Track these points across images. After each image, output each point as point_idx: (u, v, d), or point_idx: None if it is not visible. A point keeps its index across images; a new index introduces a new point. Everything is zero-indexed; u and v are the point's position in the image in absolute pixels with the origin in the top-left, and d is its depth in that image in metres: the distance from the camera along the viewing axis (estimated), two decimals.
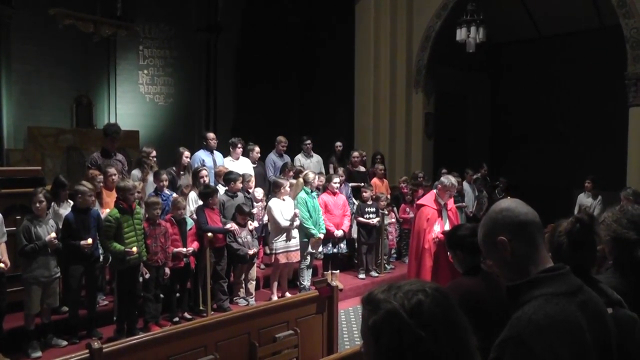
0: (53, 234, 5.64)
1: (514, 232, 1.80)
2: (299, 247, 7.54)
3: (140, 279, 6.25)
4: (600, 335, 1.72)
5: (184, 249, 6.53)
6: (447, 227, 6.30)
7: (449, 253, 3.47)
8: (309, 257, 7.76)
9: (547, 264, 1.80)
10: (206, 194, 6.97)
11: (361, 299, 1.44)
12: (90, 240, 5.86)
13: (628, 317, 2.04)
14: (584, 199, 10.26)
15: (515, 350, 1.58)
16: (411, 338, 1.30)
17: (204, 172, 7.43)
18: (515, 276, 1.81)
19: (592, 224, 2.28)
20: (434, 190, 6.66)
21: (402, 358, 1.31)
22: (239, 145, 8.69)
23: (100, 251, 6.33)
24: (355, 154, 10.07)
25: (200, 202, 7.29)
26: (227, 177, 7.43)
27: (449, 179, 6.51)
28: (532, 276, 1.76)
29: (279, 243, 7.36)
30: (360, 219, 8.53)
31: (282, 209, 7.40)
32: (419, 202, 6.99)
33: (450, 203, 6.71)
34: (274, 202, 7.40)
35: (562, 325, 1.62)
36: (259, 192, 8.27)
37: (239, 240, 7.09)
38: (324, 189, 8.37)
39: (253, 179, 8.24)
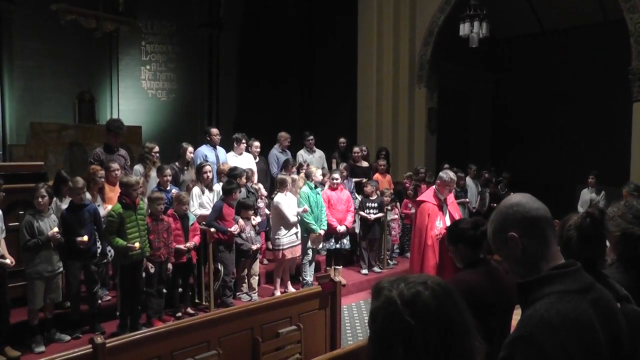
0: (56, 229, 5.64)
1: (525, 228, 1.77)
2: (300, 241, 7.55)
3: (144, 274, 6.25)
4: (612, 334, 1.69)
5: (183, 245, 6.52)
6: (448, 223, 6.28)
7: (449, 247, 3.46)
8: (310, 252, 7.76)
9: (558, 260, 1.77)
10: (229, 190, 6.98)
11: (371, 287, 1.48)
12: (85, 238, 5.83)
13: (635, 312, 2.02)
14: (587, 195, 10.24)
15: (527, 349, 1.56)
16: (400, 325, 1.33)
17: (207, 168, 7.42)
18: (525, 273, 1.77)
19: (603, 218, 2.27)
20: (434, 186, 6.64)
21: (390, 343, 1.34)
22: (243, 141, 8.66)
23: (99, 247, 6.32)
24: (356, 149, 10.06)
25: (204, 197, 7.31)
26: (232, 173, 7.41)
27: (447, 174, 6.48)
28: (544, 273, 1.72)
29: (285, 239, 7.36)
30: (362, 213, 8.53)
31: (289, 203, 7.40)
32: (419, 198, 6.96)
33: (451, 198, 6.69)
34: (281, 198, 7.39)
35: (574, 323, 1.59)
36: (261, 187, 8.26)
37: (243, 235, 7.09)
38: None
39: (256, 173, 8.24)
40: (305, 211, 7.46)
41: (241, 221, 7.08)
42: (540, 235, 1.77)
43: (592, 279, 1.76)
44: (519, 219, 1.78)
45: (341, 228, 7.98)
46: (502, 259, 1.89)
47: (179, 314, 6.59)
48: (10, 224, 5.74)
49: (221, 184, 7.59)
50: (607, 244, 2.51)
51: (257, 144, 9.00)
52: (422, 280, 1.40)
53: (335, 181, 8.16)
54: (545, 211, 1.80)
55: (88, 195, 6.32)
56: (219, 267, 6.88)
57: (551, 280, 1.70)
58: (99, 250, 6.34)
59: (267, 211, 8.09)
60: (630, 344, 1.81)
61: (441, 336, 1.33)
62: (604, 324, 1.66)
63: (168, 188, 7.04)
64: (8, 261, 5.32)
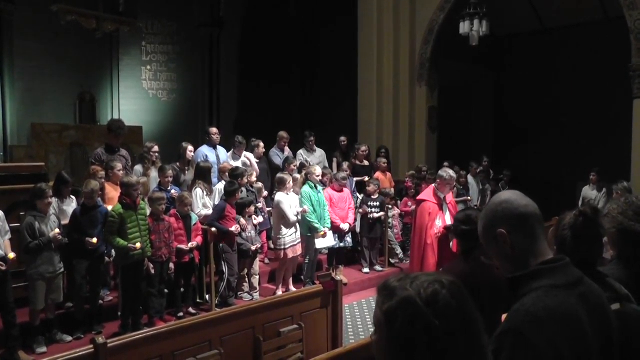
0: (57, 230, 5.65)
1: (513, 225, 1.78)
2: (301, 240, 7.56)
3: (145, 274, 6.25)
4: (601, 327, 1.71)
5: (185, 246, 6.53)
6: (448, 221, 6.29)
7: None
8: (313, 252, 7.75)
9: (547, 256, 1.78)
10: (232, 191, 6.98)
11: (377, 287, 1.44)
12: (95, 240, 5.89)
13: (637, 312, 2.02)
14: (589, 192, 10.24)
15: (514, 342, 1.57)
16: (424, 326, 1.29)
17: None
18: (515, 269, 1.79)
19: (596, 216, 2.26)
20: (433, 185, 6.64)
21: (413, 345, 1.30)
22: (243, 145, 8.64)
23: (105, 248, 6.34)
24: (363, 147, 10.01)
25: (206, 198, 7.32)
26: (234, 173, 7.42)
27: (447, 172, 6.49)
28: (532, 268, 1.74)
29: (288, 238, 7.36)
30: (362, 210, 8.51)
31: (291, 203, 7.40)
32: (419, 197, 6.96)
33: (450, 196, 6.70)
34: (282, 197, 7.39)
35: (561, 317, 1.60)
36: (260, 186, 8.25)
37: (243, 235, 7.09)
38: (330, 181, 8.37)
39: (254, 173, 8.22)
40: (304, 212, 7.45)
41: (243, 221, 7.08)
42: (528, 232, 1.79)
43: (580, 274, 1.77)
44: (507, 216, 1.80)
45: (345, 226, 7.98)
46: (492, 255, 1.90)
47: (181, 314, 6.59)
48: (12, 225, 5.73)
49: (222, 183, 7.61)
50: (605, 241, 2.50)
51: (261, 144, 8.98)
52: (436, 279, 1.37)
53: (343, 182, 8.14)
54: (534, 208, 1.82)
55: None
56: (224, 269, 6.89)
57: (539, 275, 1.72)
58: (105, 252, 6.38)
59: (267, 209, 8.08)
60: (628, 342, 1.82)
61: (464, 335, 1.32)
62: (593, 318, 1.68)
63: (169, 188, 7.05)
64: (11, 255, 5.33)
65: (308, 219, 7.50)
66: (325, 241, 7.70)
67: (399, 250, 9.17)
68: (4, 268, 5.25)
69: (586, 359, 1.64)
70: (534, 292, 1.67)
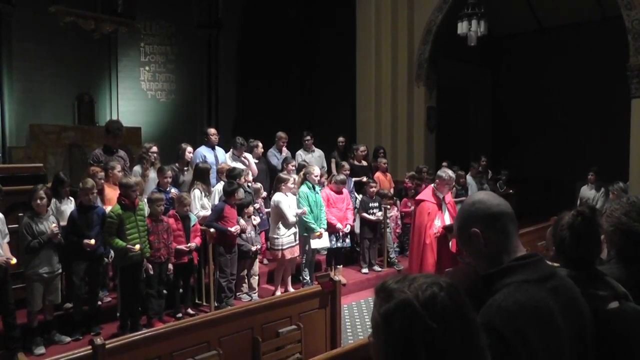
0: (54, 224, 5.65)
1: (486, 224, 1.83)
2: (299, 241, 7.56)
3: (144, 275, 6.25)
4: (574, 320, 1.75)
5: (184, 246, 6.52)
6: (447, 221, 6.29)
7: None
8: (310, 252, 7.75)
9: (519, 252, 1.83)
10: (230, 191, 6.97)
11: (374, 288, 1.44)
12: (92, 241, 5.88)
13: (634, 310, 2.02)
14: (587, 191, 10.25)
15: (486, 337, 1.59)
16: (422, 329, 1.29)
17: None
18: (489, 266, 1.83)
19: (594, 216, 2.26)
20: (432, 185, 6.65)
21: (411, 348, 1.30)
22: (244, 147, 8.64)
23: (103, 249, 6.34)
24: (362, 148, 10.02)
25: (205, 199, 7.31)
26: (231, 174, 7.42)
27: (446, 172, 6.50)
28: (504, 265, 1.79)
29: (285, 239, 7.35)
30: (364, 214, 8.50)
31: (290, 203, 7.40)
32: (418, 197, 6.96)
33: (448, 197, 6.70)
34: (281, 197, 7.38)
35: (531, 310, 1.65)
36: (259, 187, 8.25)
37: (243, 236, 7.09)
38: (329, 182, 8.37)
39: (250, 173, 8.22)
40: (304, 213, 7.44)
41: (242, 221, 7.08)
42: (501, 230, 1.84)
43: (553, 269, 1.82)
44: (480, 215, 1.85)
45: (346, 228, 7.99)
46: (467, 254, 1.95)
47: (180, 315, 6.60)
48: (10, 226, 5.73)
49: (221, 184, 7.61)
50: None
51: (260, 145, 8.97)
52: (434, 281, 1.37)
53: (341, 185, 8.13)
54: (506, 207, 1.88)
55: None
56: (216, 271, 6.89)
57: (511, 271, 1.76)
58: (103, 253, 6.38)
59: (265, 210, 8.08)
60: (625, 340, 1.83)
61: (462, 337, 1.32)
62: (565, 310, 1.72)
63: (168, 189, 7.05)
64: (13, 260, 5.32)
65: (305, 219, 7.50)
66: (321, 242, 7.70)
67: (392, 254, 9.15)
68: (14, 261, 5.25)
69: (558, 350, 1.68)
70: (506, 287, 1.71)
